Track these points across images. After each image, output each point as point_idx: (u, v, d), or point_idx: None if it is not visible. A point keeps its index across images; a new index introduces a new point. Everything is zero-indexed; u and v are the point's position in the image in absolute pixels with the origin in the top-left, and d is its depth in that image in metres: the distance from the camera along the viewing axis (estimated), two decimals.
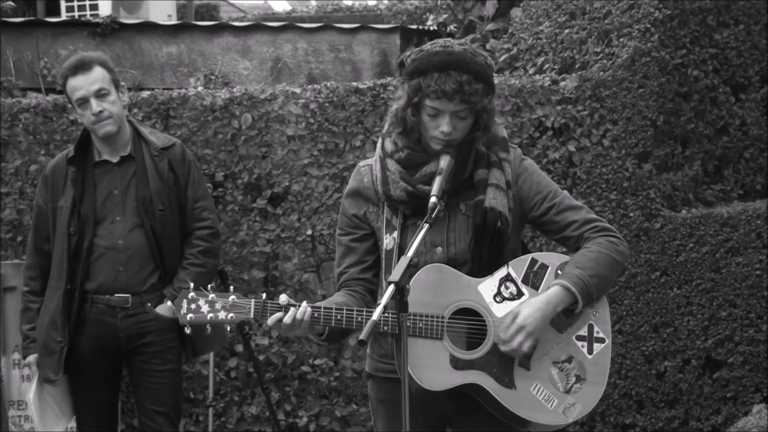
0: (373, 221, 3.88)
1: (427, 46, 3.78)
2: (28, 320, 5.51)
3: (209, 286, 3.80)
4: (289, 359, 7.25)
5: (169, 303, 5.34)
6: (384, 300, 3.47)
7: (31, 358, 5.49)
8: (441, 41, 3.79)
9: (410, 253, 3.54)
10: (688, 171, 7.42)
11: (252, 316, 3.74)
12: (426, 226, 3.62)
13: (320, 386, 7.29)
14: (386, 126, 3.88)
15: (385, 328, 3.69)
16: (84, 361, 5.41)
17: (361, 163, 3.96)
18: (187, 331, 3.80)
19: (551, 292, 3.72)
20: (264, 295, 3.77)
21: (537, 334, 3.69)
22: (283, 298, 3.71)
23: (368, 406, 7.18)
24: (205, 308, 3.77)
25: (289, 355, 7.26)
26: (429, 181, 3.74)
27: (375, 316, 3.45)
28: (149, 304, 5.36)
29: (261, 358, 7.15)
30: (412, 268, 3.60)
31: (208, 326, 3.79)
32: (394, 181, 3.79)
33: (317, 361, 7.27)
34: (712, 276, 7.19)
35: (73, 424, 5.81)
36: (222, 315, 3.75)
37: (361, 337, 3.43)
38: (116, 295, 5.38)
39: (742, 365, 7.19)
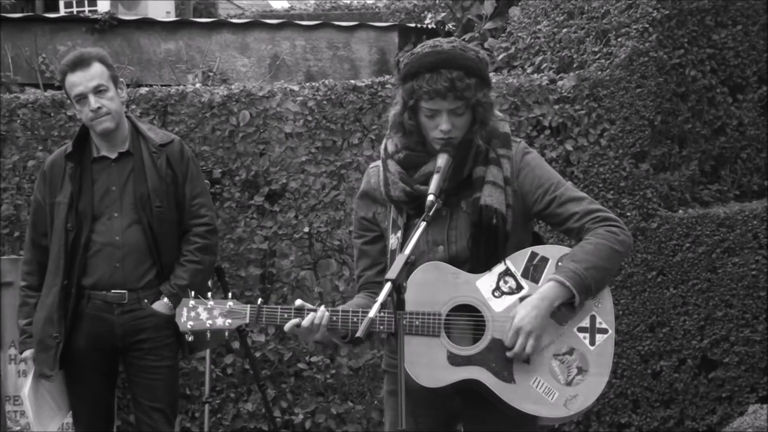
0: (381, 222, 3.89)
1: (418, 48, 3.79)
2: (24, 315, 5.50)
3: (209, 291, 3.90)
4: (286, 356, 7.26)
5: (165, 300, 5.35)
6: (381, 297, 3.47)
7: (27, 353, 5.48)
8: (430, 42, 3.79)
9: (407, 251, 3.53)
10: (685, 171, 7.42)
11: (248, 321, 3.82)
12: (423, 224, 3.61)
13: (316, 383, 7.29)
14: (389, 129, 3.88)
15: (381, 327, 3.70)
16: (80, 357, 5.40)
17: (372, 164, 3.96)
18: (189, 338, 3.89)
19: (545, 288, 3.71)
20: (260, 300, 3.85)
21: (538, 331, 3.68)
22: (298, 303, 3.78)
23: (364, 404, 7.23)
24: (204, 315, 3.85)
25: (286, 353, 7.26)
26: (427, 181, 3.73)
27: (372, 313, 3.46)
28: (146, 301, 5.36)
29: (257, 355, 7.15)
30: (410, 266, 3.60)
31: (207, 333, 3.87)
32: (393, 182, 3.80)
33: (313, 359, 7.28)
34: (708, 276, 7.20)
35: (68, 419, 5.81)
36: (220, 321, 3.83)
37: (358, 334, 3.45)
38: (113, 291, 5.37)
39: (737, 365, 7.19)
